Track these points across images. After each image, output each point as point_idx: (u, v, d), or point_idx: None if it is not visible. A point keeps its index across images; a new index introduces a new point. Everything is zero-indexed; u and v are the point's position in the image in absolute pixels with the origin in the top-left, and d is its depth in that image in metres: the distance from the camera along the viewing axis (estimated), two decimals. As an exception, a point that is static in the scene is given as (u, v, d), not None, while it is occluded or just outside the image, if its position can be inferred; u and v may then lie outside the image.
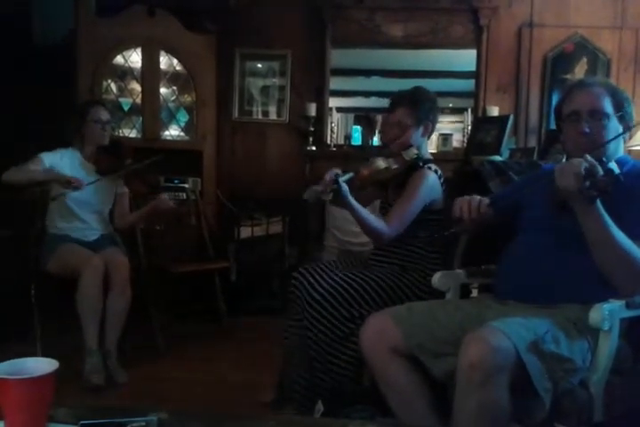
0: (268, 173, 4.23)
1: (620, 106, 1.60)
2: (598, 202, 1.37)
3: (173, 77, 4.00)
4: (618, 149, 1.65)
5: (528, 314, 1.46)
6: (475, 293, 2.04)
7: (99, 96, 3.72)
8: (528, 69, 4.06)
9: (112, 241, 2.89)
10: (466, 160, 3.23)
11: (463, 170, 2.99)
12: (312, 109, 4.07)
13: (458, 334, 1.43)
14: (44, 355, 1.06)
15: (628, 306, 1.43)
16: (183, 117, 4.09)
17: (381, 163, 2.05)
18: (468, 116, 4.40)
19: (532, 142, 3.97)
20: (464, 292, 1.90)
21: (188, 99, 4.07)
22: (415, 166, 2.07)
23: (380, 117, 4.19)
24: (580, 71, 4.00)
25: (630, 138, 3.29)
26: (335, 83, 4.27)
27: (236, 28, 4.11)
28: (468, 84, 4.21)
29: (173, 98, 4.06)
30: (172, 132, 4.08)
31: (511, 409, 1.31)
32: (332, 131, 4.29)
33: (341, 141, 4.41)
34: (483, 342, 1.29)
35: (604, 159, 1.40)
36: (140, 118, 3.94)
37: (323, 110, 4.16)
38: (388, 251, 2.15)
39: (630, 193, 1.48)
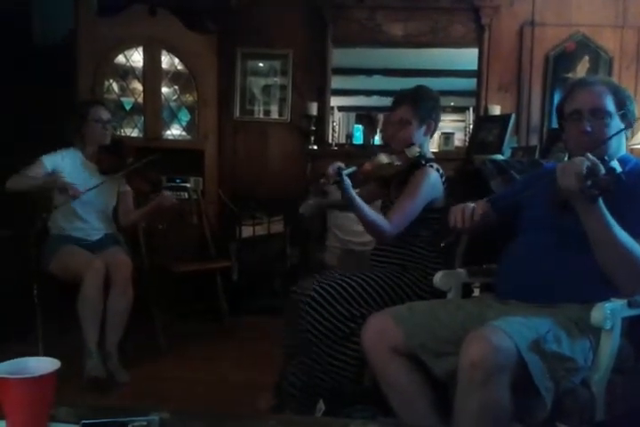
0: (270, 173, 4.23)
1: (622, 104, 1.60)
2: (600, 201, 1.37)
3: (175, 77, 4.01)
4: (620, 148, 1.65)
5: (529, 313, 1.46)
6: (476, 292, 2.04)
7: (100, 96, 3.73)
8: (530, 68, 4.06)
9: (115, 241, 2.89)
10: (467, 159, 3.23)
11: (465, 169, 2.99)
12: (313, 109, 4.07)
13: (459, 334, 1.43)
14: (46, 354, 1.05)
15: (629, 305, 1.43)
16: (185, 117, 4.09)
17: (384, 158, 2.05)
18: (470, 115, 4.39)
19: (534, 141, 3.97)
20: (466, 291, 1.90)
21: (189, 98, 4.07)
22: (417, 164, 2.06)
23: (381, 116, 4.19)
24: (581, 70, 3.99)
25: (632, 137, 3.28)
26: (336, 82, 4.27)
27: (237, 27, 4.11)
28: (470, 83, 4.21)
29: (175, 97, 4.06)
30: (174, 131, 4.08)
31: (512, 409, 1.31)
32: (333, 130, 4.29)
33: (343, 140, 4.41)
34: (484, 342, 1.29)
35: (605, 158, 1.39)
36: (142, 118, 3.94)
37: (324, 109, 4.16)
38: (388, 250, 2.14)
39: (632, 192, 1.47)
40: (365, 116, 4.39)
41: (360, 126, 4.41)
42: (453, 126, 4.65)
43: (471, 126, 4.10)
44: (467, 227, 1.57)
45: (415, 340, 1.52)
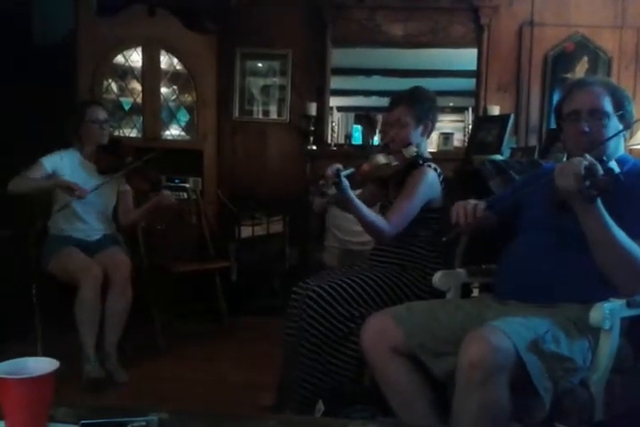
0: (269, 173, 4.23)
1: (621, 105, 1.60)
2: (599, 201, 1.37)
3: (174, 77, 4.01)
4: (618, 148, 1.65)
5: (528, 314, 1.46)
6: (476, 292, 2.04)
7: (99, 96, 3.73)
8: (529, 68, 4.06)
9: (114, 241, 2.89)
10: (467, 159, 3.23)
11: (464, 169, 3.00)
12: (312, 109, 4.07)
13: (458, 334, 1.43)
14: (45, 355, 1.06)
15: (628, 305, 1.43)
16: (184, 117, 4.09)
17: (382, 158, 2.06)
18: (469, 116, 4.39)
19: (533, 141, 3.97)
20: (465, 291, 1.90)
21: (188, 98, 4.07)
22: (415, 164, 2.07)
23: (380, 117, 4.18)
24: (580, 70, 3.99)
25: (631, 137, 3.29)
26: (336, 82, 4.26)
27: (236, 27, 4.11)
28: (469, 84, 4.21)
29: (174, 97, 4.06)
30: (173, 131, 4.08)
31: (511, 409, 1.31)
32: (332, 130, 4.29)
33: (342, 141, 4.40)
34: (483, 342, 1.29)
35: (604, 158, 1.39)
36: (141, 118, 3.94)
37: (323, 110, 4.16)
38: (387, 250, 2.14)
39: (631, 192, 1.47)
40: (364, 117, 4.39)
41: (359, 127, 4.40)
42: (452, 127, 4.64)
43: (470, 127, 4.10)
44: (469, 222, 1.57)
45: (414, 340, 1.52)
